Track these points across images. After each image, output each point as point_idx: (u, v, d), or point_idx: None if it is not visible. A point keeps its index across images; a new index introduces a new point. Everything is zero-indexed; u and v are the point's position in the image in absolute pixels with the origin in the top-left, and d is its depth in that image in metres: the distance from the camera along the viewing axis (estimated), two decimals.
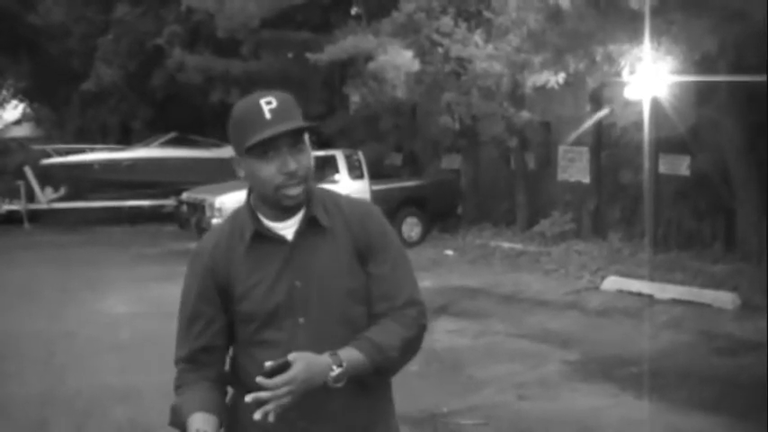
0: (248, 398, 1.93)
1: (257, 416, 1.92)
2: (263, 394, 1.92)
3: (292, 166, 2.08)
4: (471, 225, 15.61)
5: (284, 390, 1.92)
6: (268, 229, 2.18)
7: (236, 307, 2.19)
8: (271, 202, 2.16)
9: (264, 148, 2.07)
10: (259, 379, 1.91)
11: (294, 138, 2.10)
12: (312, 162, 2.18)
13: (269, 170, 2.09)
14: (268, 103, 2.07)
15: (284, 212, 2.17)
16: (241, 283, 2.17)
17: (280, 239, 2.18)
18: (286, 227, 2.18)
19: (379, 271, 2.21)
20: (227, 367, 2.31)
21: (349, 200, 2.31)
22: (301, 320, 2.14)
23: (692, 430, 5.52)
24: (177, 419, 2.14)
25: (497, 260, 12.96)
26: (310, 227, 2.18)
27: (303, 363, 1.96)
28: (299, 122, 2.10)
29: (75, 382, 6.92)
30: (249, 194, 2.23)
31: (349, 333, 2.15)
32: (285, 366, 1.95)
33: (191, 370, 2.22)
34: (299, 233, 2.17)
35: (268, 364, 1.94)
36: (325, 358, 2.02)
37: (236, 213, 2.27)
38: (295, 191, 2.11)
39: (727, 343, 7.77)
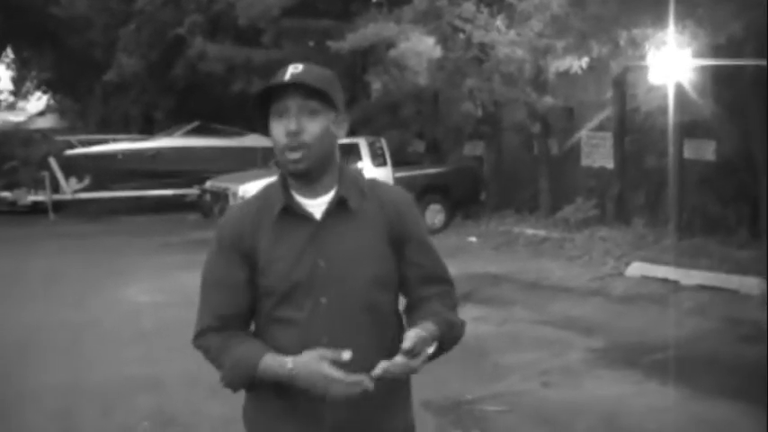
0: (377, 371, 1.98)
1: (377, 372, 1.97)
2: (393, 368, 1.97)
3: (292, 126, 2.07)
4: (494, 212, 15.58)
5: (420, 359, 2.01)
6: (298, 205, 2.16)
7: (257, 279, 2.16)
8: (283, 168, 2.16)
9: (279, 109, 2.09)
10: (408, 340, 1.97)
11: (305, 102, 2.09)
12: (326, 134, 2.13)
13: (278, 130, 2.10)
14: (294, 68, 2.10)
15: (307, 185, 2.16)
16: (264, 255, 2.15)
17: (307, 216, 2.15)
18: (316, 204, 2.16)
19: (420, 258, 2.24)
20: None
21: (385, 185, 2.32)
22: (323, 300, 2.11)
23: (718, 418, 5.48)
24: (241, 371, 2.08)
25: (521, 247, 12.93)
26: (340, 208, 2.16)
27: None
28: (305, 79, 2.08)
29: (99, 370, 6.96)
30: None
31: (370, 320, 2.14)
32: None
33: (216, 332, 2.16)
34: (328, 213, 2.15)
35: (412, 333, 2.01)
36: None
37: (268, 187, 2.26)
38: (294, 154, 2.08)
39: (753, 329, 7.68)
